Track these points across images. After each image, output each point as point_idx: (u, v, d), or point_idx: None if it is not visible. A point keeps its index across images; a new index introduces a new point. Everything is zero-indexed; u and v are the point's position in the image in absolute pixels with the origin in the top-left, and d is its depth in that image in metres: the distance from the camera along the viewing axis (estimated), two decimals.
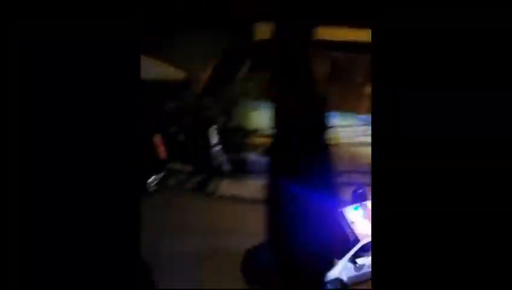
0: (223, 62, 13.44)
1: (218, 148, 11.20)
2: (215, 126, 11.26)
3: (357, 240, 7.54)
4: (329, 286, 7.52)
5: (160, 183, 11.00)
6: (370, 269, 7.44)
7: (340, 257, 7.49)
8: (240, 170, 11.16)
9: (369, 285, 7.03)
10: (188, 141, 11.90)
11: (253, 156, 11.16)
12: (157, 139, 11.72)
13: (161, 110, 11.97)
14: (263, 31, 13.46)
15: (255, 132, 11.68)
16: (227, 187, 10.88)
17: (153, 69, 11.93)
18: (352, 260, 7.48)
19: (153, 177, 10.88)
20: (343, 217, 7.84)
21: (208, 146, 11.20)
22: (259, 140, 11.51)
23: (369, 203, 7.93)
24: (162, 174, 11.08)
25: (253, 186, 10.66)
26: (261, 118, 11.78)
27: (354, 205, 8.06)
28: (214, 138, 11.23)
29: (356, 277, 7.68)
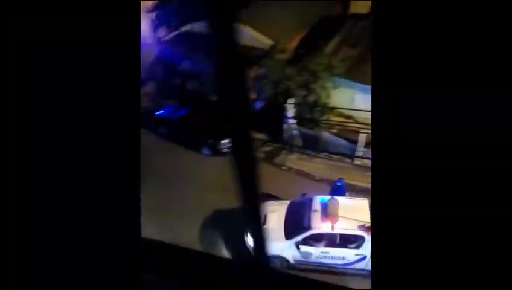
0: (313, 32, 12.96)
1: (293, 121, 11.09)
2: (293, 98, 11.10)
3: (308, 228, 7.49)
4: (273, 260, 7.64)
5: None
6: (320, 260, 7.56)
7: (289, 237, 7.61)
8: (312, 147, 10.98)
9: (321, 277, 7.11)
10: (264, 110, 11.97)
11: (326, 135, 10.85)
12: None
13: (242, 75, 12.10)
14: (359, 4, 12.55)
15: (333, 109, 11.27)
16: (295, 162, 10.83)
17: (240, 32, 11.99)
18: (297, 245, 7.53)
19: (225, 140, 11.26)
20: (310, 203, 7.89)
21: (283, 118, 11.14)
22: (336, 119, 11.10)
23: (341, 199, 7.86)
24: None
25: (322, 165, 10.46)
26: (341, 96, 11.29)
27: (325, 197, 7.96)
28: (291, 111, 11.11)
29: (303, 262, 7.71)
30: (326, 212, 7.51)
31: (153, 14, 14.47)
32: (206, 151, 11.36)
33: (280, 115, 11.07)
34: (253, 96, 12.22)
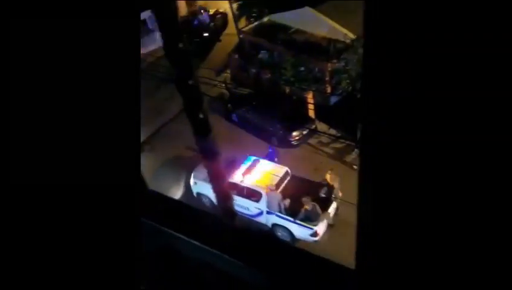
0: None
1: None
2: None
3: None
4: (202, 197, 9.54)
5: (302, 139, 11.20)
6: (239, 209, 8.75)
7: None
8: None
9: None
10: (339, 105, 11.60)
11: None
12: (309, 96, 11.79)
13: (322, 69, 11.85)
14: None
15: None
16: None
17: (322, 25, 11.72)
18: None
19: (297, 132, 11.14)
20: (240, 160, 9.47)
21: (359, 114, 10.68)
22: None
23: (264, 162, 9.54)
24: (306, 131, 11.22)
25: None
26: None
27: (251, 157, 9.64)
28: None
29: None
30: (245, 168, 9.22)
31: (236, 5, 14.77)
32: (275, 141, 11.36)
33: (356, 112, 10.62)
34: (328, 89, 11.90)
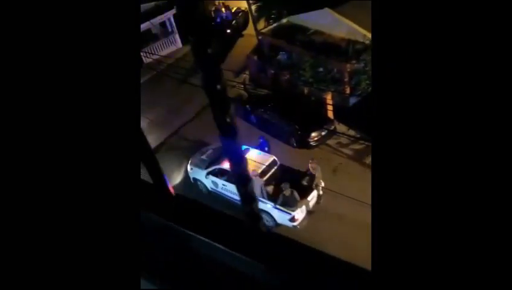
0: None
1: None
2: None
3: (218, 164, 9.73)
4: (197, 183, 10.43)
5: (321, 140, 11.15)
6: (224, 191, 9.78)
7: (206, 168, 10.11)
8: None
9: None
10: (359, 106, 11.49)
11: None
12: (328, 97, 11.73)
13: (341, 69, 11.77)
14: None
15: None
16: None
17: (341, 26, 11.63)
18: (207, 174, 10.01)
19: (315, 133, 11.09)
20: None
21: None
22: None
23: (254, 150, 9.98)
24: (324, 132, 11.16)
25: None
26: None
27: (243, 146, 9.69)
28: None
29: (215, 190, 10.11)
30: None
31: (255, 6, 14.83)
32: (293, 142, 11.35)
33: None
34: (347, 90, 11.80)
